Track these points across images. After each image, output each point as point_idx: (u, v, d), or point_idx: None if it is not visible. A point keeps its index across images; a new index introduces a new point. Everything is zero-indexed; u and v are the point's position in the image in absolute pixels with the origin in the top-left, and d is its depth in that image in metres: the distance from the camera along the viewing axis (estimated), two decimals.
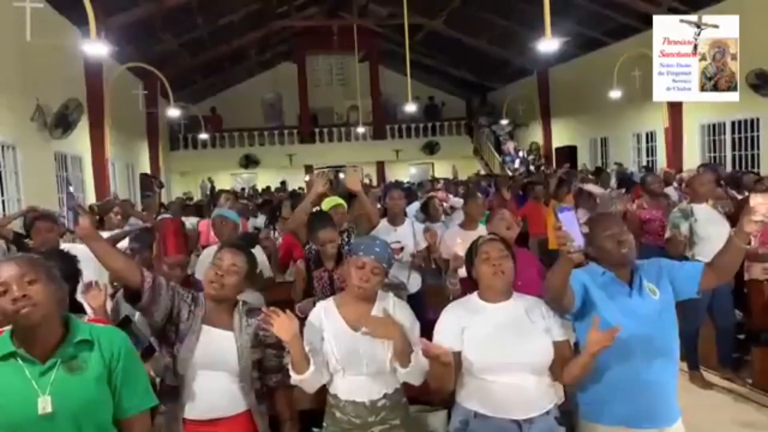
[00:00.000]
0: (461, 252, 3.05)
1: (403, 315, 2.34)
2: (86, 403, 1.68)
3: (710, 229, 4.28)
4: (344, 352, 2.21)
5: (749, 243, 2.13)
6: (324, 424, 2.33)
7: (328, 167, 19.17)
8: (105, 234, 4.50)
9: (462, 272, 3.03)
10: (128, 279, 2.15)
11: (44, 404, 1.62)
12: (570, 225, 1.93)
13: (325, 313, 2.32)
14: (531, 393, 2.13)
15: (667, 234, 4.59)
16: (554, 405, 2.20)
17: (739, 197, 5.94)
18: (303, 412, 2.60)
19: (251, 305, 2.37)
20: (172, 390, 2.21)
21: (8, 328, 1.71)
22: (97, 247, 2.11)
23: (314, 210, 4.10)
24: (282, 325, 2.10)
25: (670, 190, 6.92)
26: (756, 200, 2.04)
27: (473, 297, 2.31)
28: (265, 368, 2.30)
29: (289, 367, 2.20)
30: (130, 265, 2.18)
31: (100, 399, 1.71)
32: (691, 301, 4.15)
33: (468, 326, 2.18)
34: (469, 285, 2.44)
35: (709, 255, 3.42)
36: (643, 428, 2.18)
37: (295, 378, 2.19)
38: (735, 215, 4.61)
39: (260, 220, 8.04)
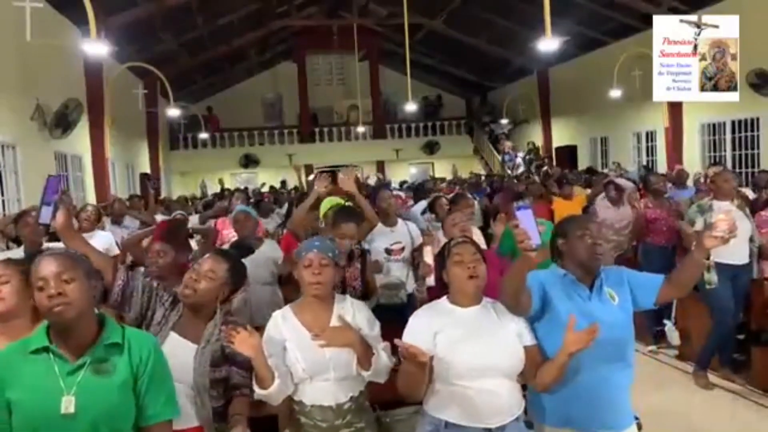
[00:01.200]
0: (429, 260, 3.02)
1: (362, 316, 2.32)
2: (107, 407, 1.67)
3: None
4: (310, 361, 2.17)
5: (708, 257, 2.15)
6: (287, 430, 2.28)
7: (328, 167, 19.16)
8: (125, 232, 4.54)
9: (430, 281, 3.01)
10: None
11: (68, 404, 1.62)
12: (527, 223, 1.93)
13: (283, 322, 2.27)
14: (503, 399, 2.10)
15: (680, 226, 4.74)
16: (523, 410, 2.18)
17: (751, 196, 5.99)
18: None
19: (230, 318, 2.30)
20: None
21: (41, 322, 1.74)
22: (74, 245, 2.10)
23: (345, 204, 4.11)
24: (243, 341, 2.02)
25: (685, 190, 6.97)
26: (718, 216, 2.10)
27: (443, 301, 2.26)
28: (233, 385, 2.23)
29: (254, 382, 2.13)
30: (104, 265, 2.17)
31: (122, 405, 1.71)
32: (721, 300, 4.10)
33: (439, 331, 2.13)
34: (438, 293, 2.39)
35: (720, 251, 3.42)
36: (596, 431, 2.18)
37: (259, 393, 2.12)
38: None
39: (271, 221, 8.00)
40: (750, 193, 6.18)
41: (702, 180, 7.61)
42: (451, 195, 6.30)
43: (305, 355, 2.18)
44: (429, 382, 2.14)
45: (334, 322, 2.23)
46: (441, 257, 2.30)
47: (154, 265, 3.05)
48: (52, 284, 1.64)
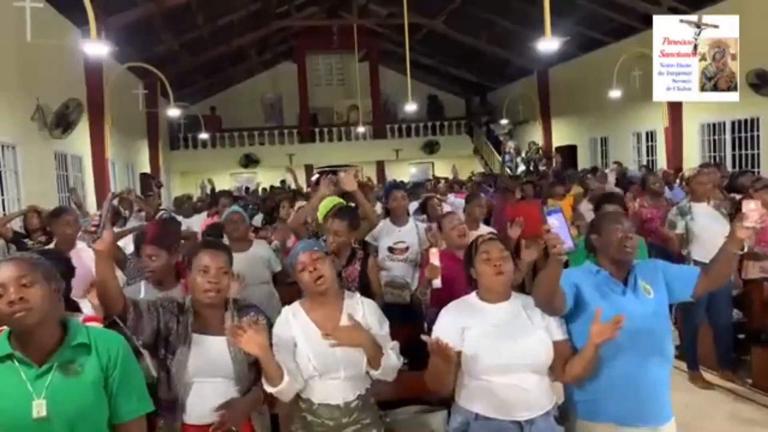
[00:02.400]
0: (437, 262, 3.04)
1: (372, 315, 2.32)
2: (82, 407, 1.66)
3: (707, 227, 4.31)
4: (321, 358, 2.18)
5: (742, 248, 2.16)
6: (292, 429, 2.29)
7: (329, 167, 19.16)
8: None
9: (437, 282, 3.03)
10: (112, 306, 2.10)
11: (39, 408, 1.60)
12: (559, 227, 1.95)
13: (293, 318, 2.28)
14: (532, 393, 2.12)
15: (663, 231, 4.76)
16: (554, 405, 2.19)
17: (737, 198, 5.95)
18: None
19: (242, 303, 2.34)
20: (167, 403, 2.17)
21: (4, 328, 1.70)
22: (105, 266, 2.06)
23: (346, 204, 4.13)
24: (250, 339, 2.01)
25: (675, 191, 6.95)
26: (749, 206, 2.09)
27: (472, 297, 2.29)
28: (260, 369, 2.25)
29: (263, 380, 2.14)
30: (120, 295, 2.14)
31: (96, 404, 1.69)
32: (689, 301, 4.14)
33: (468, 327, 2.16)
34: (442, 295, 2.41)
35: (704, 253, 3.46)
36: (638, 426, 2.19)
37: (269, 390, 2.13)
38: (733, 216, 4.67)
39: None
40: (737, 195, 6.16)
41: (683, 183, 7.62)
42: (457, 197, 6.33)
43: (316, 353, 2.18)
44: (455, 378, 2.16)
45: (344, 320, 2.23)
46: (468, 255, 2.32)
47: (148, 268, 3.02)
48: (12, 290, 1.59)
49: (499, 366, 2.10)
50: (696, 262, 4.08)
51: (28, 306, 1.60)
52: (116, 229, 4.71)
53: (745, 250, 2.24)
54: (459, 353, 2.13)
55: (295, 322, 2.26)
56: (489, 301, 2.23)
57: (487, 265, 2.20)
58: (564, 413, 2.27)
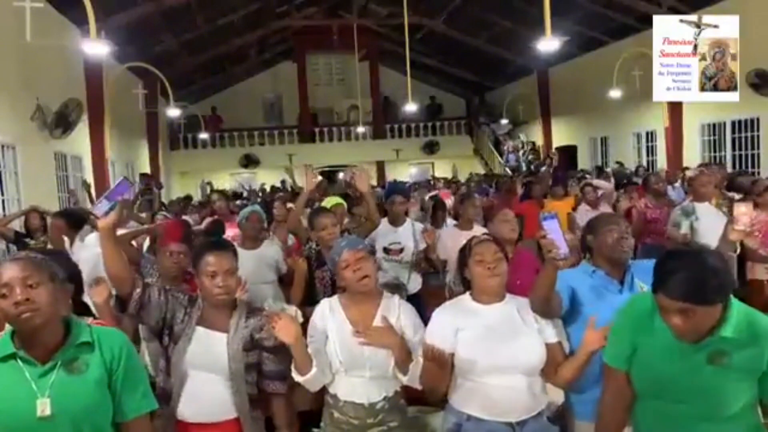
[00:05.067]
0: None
1: (408, 319, 2.32)
2: (86, 405, 1.65)
3: (712, 227, 4.33)
4: (348, 355, 2.20)
5: (735, 251, 2.19)
6: (321, 425, 2.33)
7: (329, 167, 19.16)
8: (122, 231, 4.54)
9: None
10: (121, 286, 2.14)
11: (43, 406, 1.60)
12: (554, 233, 1.97)
13: (329, 312, 2.31)
14: (524, 395, 2.12)
15: (669, 232, 4.71)
16: (546, 405, 2.20)
17: (736, 198, 5.95)
18: (302, 413, 2.60)
19: (254, 306, 2.36)
20: (165, 393, 2.19)
21: (8, 328, 1.70)
22: (109, 246, 2.10)
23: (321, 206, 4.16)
24: (284, 328, 2.08)
25: (670, 190, 6.94)
26: (739, 210, 2.12)
27: (465, 298, 2.29)
28: (264, 373, 2.27)
29: (292, 367, 2.19)
30: (128, 274, 2.17)
31: (100, 402, 1.69)
32: None
33: (461, 328, 2.17)
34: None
35: None
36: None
37: (297, 379, 2.18)
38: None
39: None
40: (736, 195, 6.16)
41: (680, 184, 7.62)
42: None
43: (344, 349, 2.21)
44: (450, 379, 2.18)
45: (377, 320, 2.25)
46: (462, 255, 2.31)
47: (177, 265, 3.10)
48: (18, 290, 1.58)
49: (492, 368, 2.11)
50: None
51: (35, 307, 1.59)
52: (126, 230, 4.71)
53: (737, 251, 2.26)
54: (452, 355, 2.14)
55: (330, 316, 2.29)
56: (482, 303, 2.23)
57: (480, 266, 2.20)
58: (561, 413, 2.27)
